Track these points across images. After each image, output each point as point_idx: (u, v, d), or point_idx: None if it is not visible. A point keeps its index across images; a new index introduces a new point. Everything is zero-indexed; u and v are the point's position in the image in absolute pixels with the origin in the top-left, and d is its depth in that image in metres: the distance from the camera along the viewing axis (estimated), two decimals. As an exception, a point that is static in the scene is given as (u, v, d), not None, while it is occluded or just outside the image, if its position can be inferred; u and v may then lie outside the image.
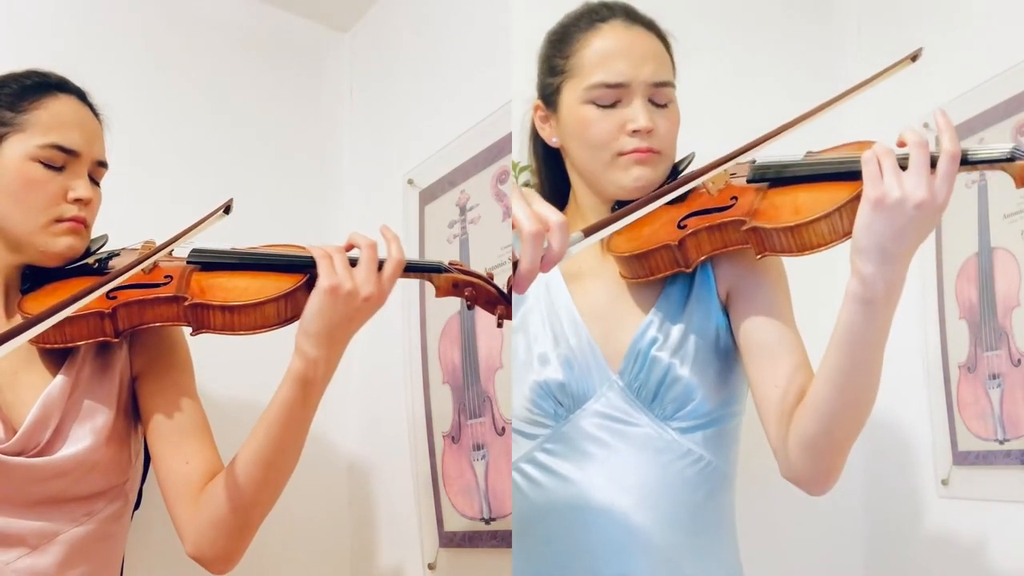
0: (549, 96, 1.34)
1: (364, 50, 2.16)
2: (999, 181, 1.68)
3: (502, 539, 1.64)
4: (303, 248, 1.28)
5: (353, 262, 1.20)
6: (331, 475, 2.03)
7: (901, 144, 1.06)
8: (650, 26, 1.31)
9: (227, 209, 1.19)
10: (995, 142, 1.06)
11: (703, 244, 1.22)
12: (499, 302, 1.30)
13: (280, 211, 1.90)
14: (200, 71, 1.95)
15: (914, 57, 1.20)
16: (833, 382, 1.11)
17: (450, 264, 1.31)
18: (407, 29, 2.03)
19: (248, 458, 1.21)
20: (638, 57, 1.27)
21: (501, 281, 1.32)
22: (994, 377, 1.67)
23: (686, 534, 1.25)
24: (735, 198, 1.22)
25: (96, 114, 1.35)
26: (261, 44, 2.05)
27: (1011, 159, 1.04)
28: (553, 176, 1.40)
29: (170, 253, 1.25)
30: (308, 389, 1.19)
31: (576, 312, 1.31)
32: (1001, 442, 1.66)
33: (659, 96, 1.28)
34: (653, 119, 1.26)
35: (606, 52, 1.28)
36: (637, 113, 1.25)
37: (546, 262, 1.02)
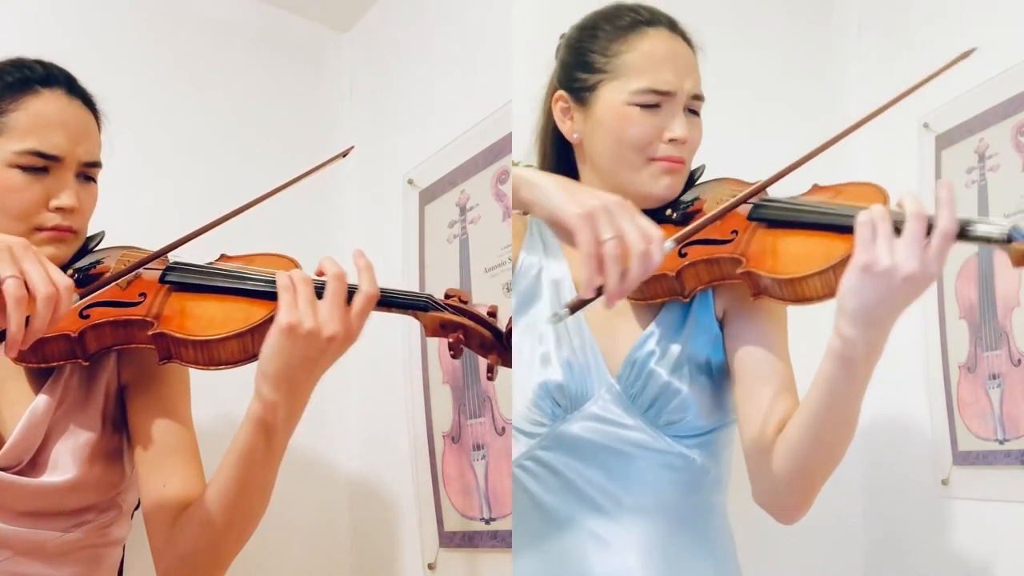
0: (579, 91, 1.31)
1: (364, 50, 2.17)
2: (999, 181, 1.69)
3: (502, 539, 1.64)
4: (291, 261, 1.20)
5: (322, 292, 1.08)
6: (331, 475, 2.03)
7: (899, 205, 1.04)
8: (688, 41, 1.32)
9: (345, 154, 1.19)
10: (994, 218, 1.05)
11: (701, 275, 1.22)
12: (493, 348, 1.15)
13: (280, 211, 1.89)
14: (200, 71, 1.95)
15: (966, 55, 1.21)
16: (807, 430, 1.12)
17: (446, 295, 1.17)
18: (407, 29, 2.03)
19: (212, 499, 1.13)
20: (683, 68, 1.28)
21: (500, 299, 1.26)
22: (994, 377, 1.67)
23: (681, 534, 1.26)
24: (735, 232, 1.21)
25: (90, 105, 1.27)
26: (261, 44, 2.05)
27: (1008, 240, 1.01)
28: (560, 172, 1.39)
29: (166, 260, 1.21)
30: (269, 433, 1.09)
31: (582, 315, 1.30)
32: (1001, 442, 1.66)
33: (693, 106, 1.30)
34: (688, 130, 1.28)
35: (655, 58, 1.27)
36: (677, 123, 1.26)
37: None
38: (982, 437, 1.70)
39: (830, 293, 1.09)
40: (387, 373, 1.95)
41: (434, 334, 1.16)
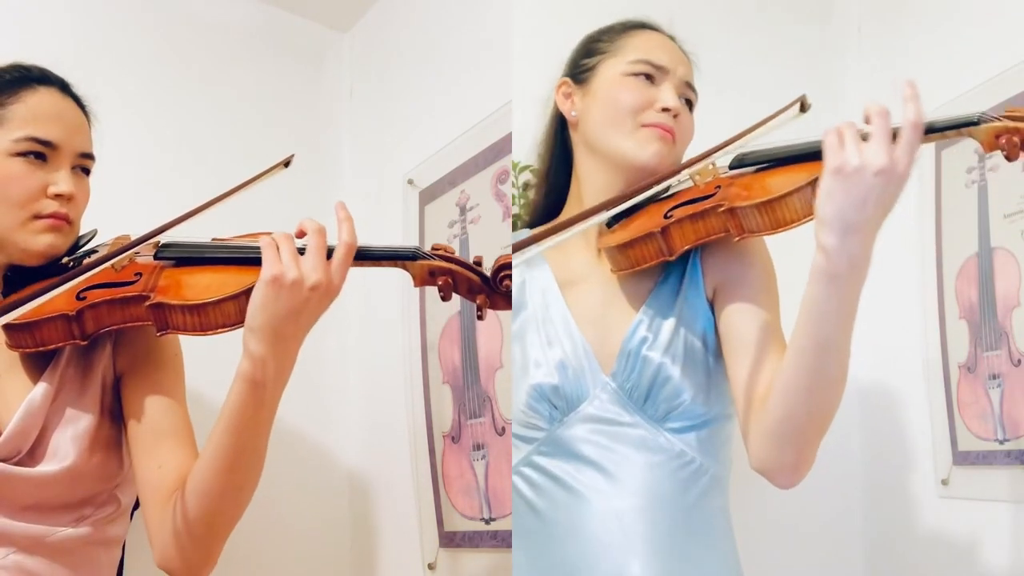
0: (580, 74, 1.39)
1: (364, 50, 2.17)
2: (999, 181, 1.69)
3: (502, 539, 1.64)
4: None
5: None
6: (331, 475, 2.03)
7: (867, 120, 1.05)
8: (685, 52, 1.40)
9: (287, 163, 1.21)
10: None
11: (687, 232, 1.25)
12: (481, 290, 1.19)
13: (280, 211, 1.89)
14: (200, 71, 1.95)
15: (802, 106, 1.21)
16: (798, 364, 1.09)
17: (433, 248, 1.21)
18: (407, 29, 2.03)
19: (205, 466, 1.13)
20: (677, 58, 1.37)
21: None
22: (994, 377, 1.67)
23: (681, 536, 1.25)
24: (719, 187, 1.25)
25: (82, 105, 1.32)
26: (261, 44, 2.05)
27: (977, 122, 1.05)
28: (560, 163, 1.43)
29: (157, 244, 1.23)
30: (259, 391, 1.09)
31: (570, 316, 1.31)
32: (1001, 442, 1.66)
33: (687, 94, 1.36)
34: (681, 109, 1.34)
35: (652, 43, 1.37)
36: (668, 95, 1.33)
37: None
38: (982, 437, 1.70)
39: (811, 213, 1.09)
40: (387, 373, 1.95)
41: (423, 283, 1.20)
